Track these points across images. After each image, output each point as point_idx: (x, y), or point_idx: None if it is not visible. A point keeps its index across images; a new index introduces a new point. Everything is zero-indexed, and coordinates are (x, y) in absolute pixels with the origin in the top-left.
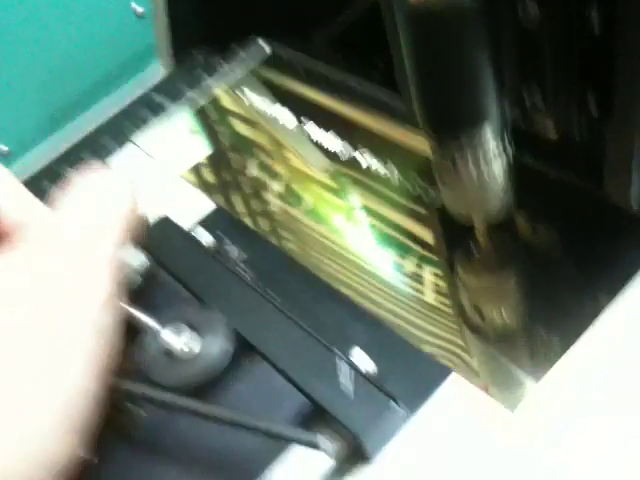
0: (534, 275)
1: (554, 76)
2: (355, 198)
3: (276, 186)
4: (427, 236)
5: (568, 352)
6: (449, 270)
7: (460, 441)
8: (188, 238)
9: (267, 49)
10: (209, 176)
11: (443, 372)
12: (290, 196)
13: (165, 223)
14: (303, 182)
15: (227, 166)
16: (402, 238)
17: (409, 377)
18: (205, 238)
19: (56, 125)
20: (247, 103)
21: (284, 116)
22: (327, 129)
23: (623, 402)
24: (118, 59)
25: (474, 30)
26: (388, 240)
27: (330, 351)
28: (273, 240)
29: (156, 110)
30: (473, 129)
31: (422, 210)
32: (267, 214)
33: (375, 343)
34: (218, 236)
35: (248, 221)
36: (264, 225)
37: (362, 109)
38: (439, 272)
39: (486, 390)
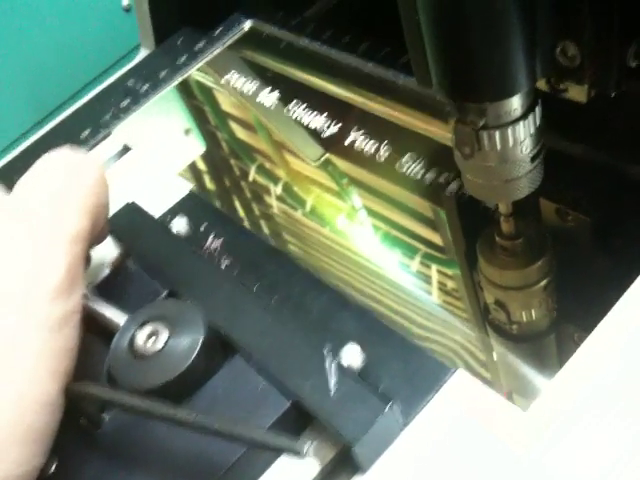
0: (565, 270)
1: (593, 31)
2: (357, 198)
3: (277, 189)
4: (432, 234)
5: (576, 353)
6: (466, 265)
7: (465, 449)
8: (157, 225)
9: (248, 25)
10: (209, 182)
11: (445, 370)
12: (291, 199)
13: (131, 209)
14: (304, 184)
15: (227, 170)
16: (406, 237)
17: (406, 376)
18: (178, 223)
19: (44, 121)
20: (231, 85)
21: (270, 98)
22: (316, 110)
23: (631, 404)
24: (107, 54)
25: None
26: (393, 240)
27: (317, 348)
28: (275, 243)
29: (132, 95)
30: (500, 95)
31: (425, 201)
32: (269, 218)
33: (368, 339)
34: (192, 221)
35: (249, 225)
36: (266, 229)
37: (351, 86)
38: (447, 271)
39: (509, 397)
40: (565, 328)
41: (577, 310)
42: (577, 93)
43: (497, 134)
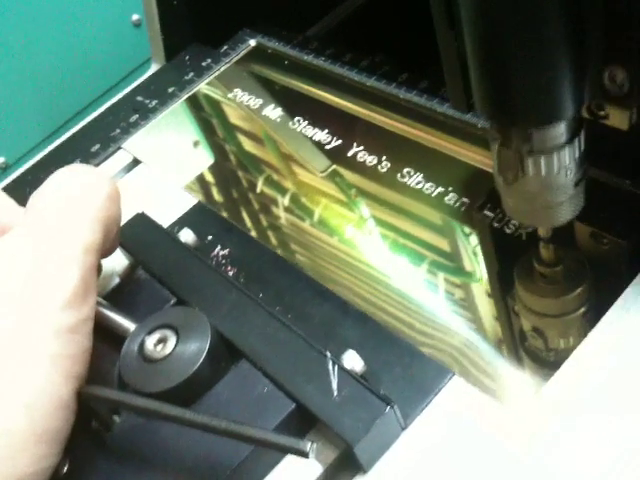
0: (604, 297)
1: None
2: (365, 208)
3: (284, 200)
4: (441, 242)
5: (572, 355)
6: (497, 287)
7: (464, 450)
8: (165, 235)
9: (254, 42)
10: (216, 193)
11: (443, 374)
12: (299, 209)
13: (140, 219)
14: (311, 194)
15: (235, 182)
16: (416, 246)
17: (406, 380)
18: (185, 234)
19: (54, 136)
20: (238, 100)
21: (275, 112)
22: (319, 124)
23: (627, 404)
24: (117, 68)
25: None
26: (401, 248)
27: (320, 353)
28: (282, 253)
29: (141, 110)
30: (548, 121)
31: (434, 212)
32: (276, 228)
33: (369, 344)
34: (199, 232)
35: (256, 235)
36: (273, 239)
37: (352, 101)
38: (454, 279)
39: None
40: None
41: None
42: (619, 120)
43: (542, 159)
